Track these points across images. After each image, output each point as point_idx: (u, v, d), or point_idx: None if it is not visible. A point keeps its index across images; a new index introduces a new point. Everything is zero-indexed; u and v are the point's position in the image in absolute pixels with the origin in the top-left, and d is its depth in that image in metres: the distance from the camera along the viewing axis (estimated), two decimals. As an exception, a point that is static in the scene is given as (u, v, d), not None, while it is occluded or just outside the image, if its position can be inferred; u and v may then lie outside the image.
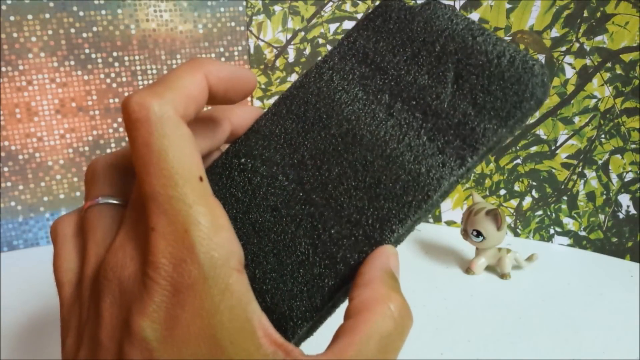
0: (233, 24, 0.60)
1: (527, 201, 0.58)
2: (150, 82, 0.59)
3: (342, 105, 0.22)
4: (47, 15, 0.54)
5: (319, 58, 0.24)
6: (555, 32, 0.53)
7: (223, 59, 0.61)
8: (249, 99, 0.64)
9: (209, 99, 0.20)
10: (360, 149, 0.21)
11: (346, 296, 0.20)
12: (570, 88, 0.53)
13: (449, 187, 0.20)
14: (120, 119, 0.59)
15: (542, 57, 0.54)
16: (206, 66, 0.20)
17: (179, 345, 0.17)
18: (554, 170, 0.56)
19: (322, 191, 0.21)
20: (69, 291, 0.21)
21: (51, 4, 0.54)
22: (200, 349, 0.17)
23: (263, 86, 0.63)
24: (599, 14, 0.51)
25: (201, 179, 0.18)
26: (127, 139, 0.59)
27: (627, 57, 0.50)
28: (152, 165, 0.17)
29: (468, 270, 0.51)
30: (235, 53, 0.61)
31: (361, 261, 0.20)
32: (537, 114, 0.55)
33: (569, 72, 0.53)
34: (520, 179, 0.58)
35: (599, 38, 0.51)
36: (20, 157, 0.56)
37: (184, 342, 0.17)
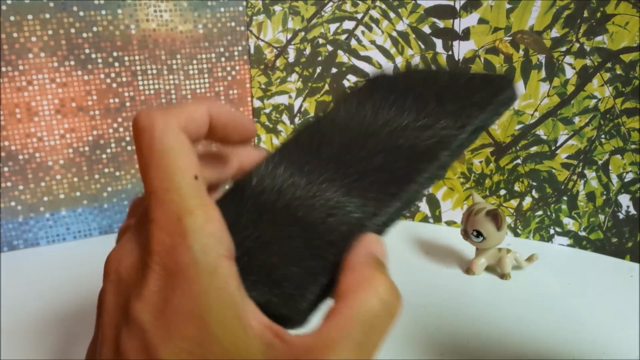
0: (233, 24, 0.60)
1: (527, 201, 0.58)
2: (150, 82, 0.59)
3: (344, 125, 0.25)
4: (47, 15, 0.54)
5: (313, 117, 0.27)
6: (555, 32, 0.53)
7: (223, 59, 0.61)
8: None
9: (209, 131, 0.22)
10: (363, 148, 0.24)
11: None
12: (570, 88, 0.53)
13: (443, 162, 0.22)
14: (120, 119, 0.59)
15: (542, 57, 0.54)
16: (211, 102, 0.22)
17: (169, 326, 0.18)
18: (554, 171, 0.56)
19: (329, 179, 0.23)
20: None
21: (51, 4, 0.54)
22: (189, 329, 0.18)
23: (263, 86, 0.63)
24: (599, 14, 0.51)
25: (196, 177, 0.20)
26: (127, 138, 0.59)
27: (627, 58, 0.50)
28: (152, 164, 0.19)
29: (468, 270, 0.51)
30: (235, 53, 0.61)
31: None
32: (537, 114, 0.55)
33: (569, 72, 0.53)
34: (520, 179, 0.58)
35: (599, 38, 0.51)
36: (20, 157, 0.56)
37: (173, 323, 0.18)
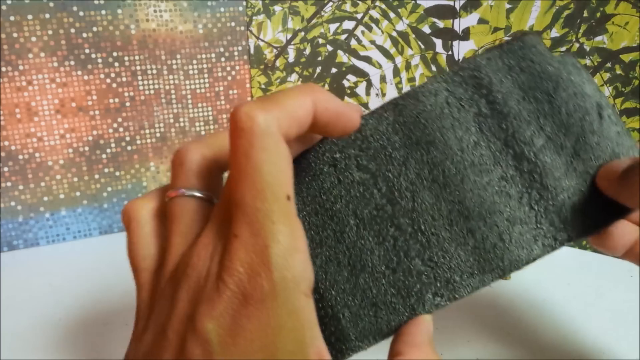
0: (233, 24, 0.60)
1: (527, 201, 0.58)
2: (150, 82, 0.59)
3: (450, 135, 0.21)
4: (47, 15, 0.54)
5: (438, 75, 0.22)
6: (555, 33, 0.53)
7: (223, 59, 0.61)
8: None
9: (311, 125, 0.21)
10: (460, 189, 0.20)
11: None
12: (570, 88, 0.53)
13: (524, 265, 0.20)
14: (120, 119, 0.59)
15: (542, 57, 0.54)
16: (317, 94, 0.20)
17: (238, 352, 0.18)
18: (554, 171, 0.56)
19: (410, 219, 0.20)
20: (148, 278, 0.21)
21: (51, 4, 0.54)
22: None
23: (263, 86, 0.63)
24: (598, 14, 0.51)
25: (289, 197, 0.19)
26: (127, 138, 0.59)
27: (627, 58, 0.50)
28: (246, 175, 0.18)
29: (468, 270, 0.51)
30: (235, 53, 0.61)
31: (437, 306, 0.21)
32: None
33: (569, 72, 0.53)
34: (520, 179, 0.58)
35: (598, 38, 0.51)
36: (20, 157, 0.56)
37: (244, 353, 0.18)
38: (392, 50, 0.59)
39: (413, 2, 0.57)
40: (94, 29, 0.56)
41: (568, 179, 0.20)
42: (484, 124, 0.21)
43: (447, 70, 0.22)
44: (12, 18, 0.53)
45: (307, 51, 0.61)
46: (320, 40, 0.61)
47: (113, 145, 0.60)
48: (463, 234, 0.20)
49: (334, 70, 0.61)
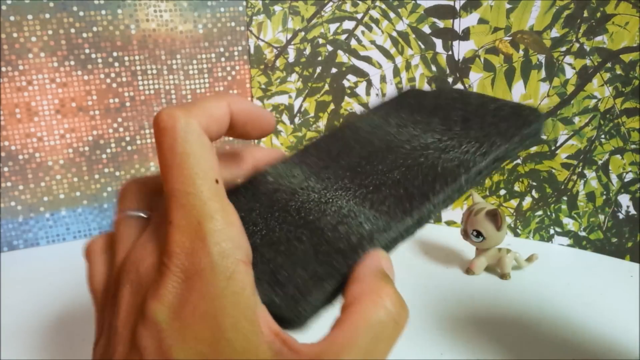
0: (233, 24, 0.60)
1: (527, 201, 0.58)
2: (150, 82, 0.59)
3: (365, 139, 0.25)
4: (47, 15, 0.54)
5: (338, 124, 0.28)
6: (555, 33, 0.53)
7: (223, 59, 0.61)
8: (249, 98, 0.64)
9: (230, 127, 0.22)
10: (383, 162, 0.24)
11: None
12: (570, 88, 0.53)
13: (460, 186, 0.22)
14: (120, 119, 0.59)
15: (542, 57, 0.54)
16: (230, 97, 0.22)
17: (184, 327, 0.18)
18: (554, 171, 0.56)
19: (344, 189, 0.23)
20: (100, 297, 0.22)
21: (51, 4, 0.54)
22: (204, 330, 0.18)
23: (263, 86, 0.63)
24: (599, 14, 0.51)
25: (217, 181, 0.20)
26: (127, 138, 0.59)
27: (627, 58, 0.50)
28: (174, 166, 0.19)
29: (468, 270, 0.51)
30: (235, 53, 0.61)
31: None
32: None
33: (569, 73, 0.53)
34: (520, 179, 0.58)
35: (599, 38, 0.51)
36: (20, 157, 0.56)
37: (189, 324, 0.18)
38: (392, 50, 0.59)
39: (413, 2, 0.57)
40: (94, 29, 0.56)
41: (467, 129, 0.25)
42: (389, 128, 0.26)
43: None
44: (12, 18, 0.53)
45: (307, 51, 0.61)
46: (320, 40, 0.61)
47: (113, 145, 0.60)
48: (393, 185, 0.23)
49: (334, 70, 0.61)
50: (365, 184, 0.23)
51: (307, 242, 0.21)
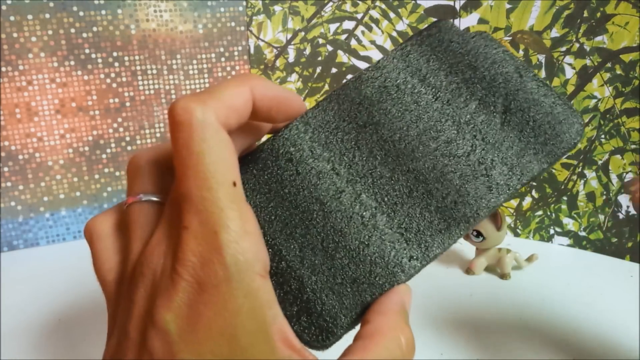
0: (233, 24, 0.60)
1: (527, 201, 0.58)
2: (150, 82, 0.59)
3: (393, 114, 0.23)
4: (47, 15, 0.54)
5: (371, 64, 0.25)
6: (555, 33, 0.53)
7: (223, 59, 0.61)
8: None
9: (253, 114, 0.21)
10: (412, 159, 0.22)
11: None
12: (570, 88, 0.53)
13: (486, 213, 0.21)
14: (120, 119, 0.59)
15: (542, 58, 0.54)
16: (253, 81, 0.20)
17: (199, 342, 0.18)
18: (554, 170, 0.56)
19: (372, 194, 0.22)
20: (113, 288, 0.21)
21: (51, 4, 0.54)
22: (220, 347, 0.18)
23: (263, 86, 0.63)
24: (599, 14, 0.51)
25: (235, 184, 0.19)
26: (127, 138, 0.59)
27: (627, 58, 0.50)
28: (190, 166, 0.18)
29: (468, 270, 0.51)
30: (235, 53, 0.61)
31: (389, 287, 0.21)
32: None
33: (569, 73, 0.53)
34: (520, 179, 0.58)
35: (599, 38, 0.51)
36: (20, 157, 0.56)
37: (204, 339, 0.18)
38: (392, 50, 0.59)
39: (413, 2, 0.57)
40: (94, 29, 0.56)
41: (505, 131, 0.22)
42: (419, 100, 0.23)
43: (380, 58, 0.25)
44: (12, 18, 0.53)
45: (307, 51, 0.61)
46: (320, 40, 0.61)
47: (113, 145, 0.60)
48: (424, 197, 0.22)
49: (334, 70, 0.61)
50: (391, 191, 0.22)
51: (334, 256, 0.21)
